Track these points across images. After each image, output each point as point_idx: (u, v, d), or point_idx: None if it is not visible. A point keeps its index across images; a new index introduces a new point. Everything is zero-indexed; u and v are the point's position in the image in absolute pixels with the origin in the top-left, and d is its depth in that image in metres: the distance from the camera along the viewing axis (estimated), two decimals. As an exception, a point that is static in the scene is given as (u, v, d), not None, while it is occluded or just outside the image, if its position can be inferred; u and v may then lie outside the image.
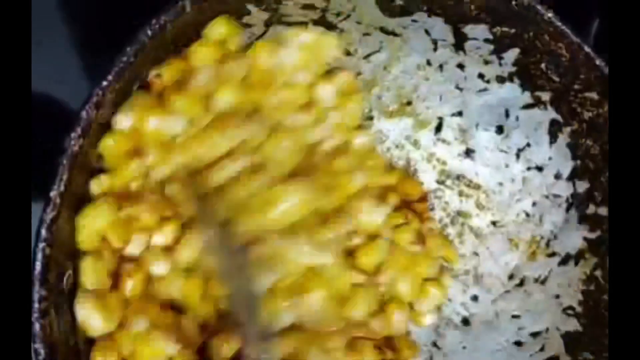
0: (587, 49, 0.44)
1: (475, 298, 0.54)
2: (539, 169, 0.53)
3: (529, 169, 0.53)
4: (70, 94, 0.51)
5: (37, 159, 0.37)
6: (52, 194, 0.36)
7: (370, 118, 0.54)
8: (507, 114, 0.52)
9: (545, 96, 0.50)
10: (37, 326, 0.36)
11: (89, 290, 0.39)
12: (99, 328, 0.40)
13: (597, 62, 0.44)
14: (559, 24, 0.44)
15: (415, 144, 0.55)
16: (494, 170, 0.54)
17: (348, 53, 0.50)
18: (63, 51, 0.54)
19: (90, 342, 0.42)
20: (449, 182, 0.55)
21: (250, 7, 0.44)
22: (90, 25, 0.55)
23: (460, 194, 0.55)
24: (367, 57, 0.51)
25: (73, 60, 0.54)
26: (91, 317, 0.39)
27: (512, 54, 0.48)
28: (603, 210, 0.49)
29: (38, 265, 0.36)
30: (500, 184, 0.54)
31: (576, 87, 0.47)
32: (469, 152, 0.55)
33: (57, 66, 0.53)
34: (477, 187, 0.55)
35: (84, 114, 0.36)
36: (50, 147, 0.39)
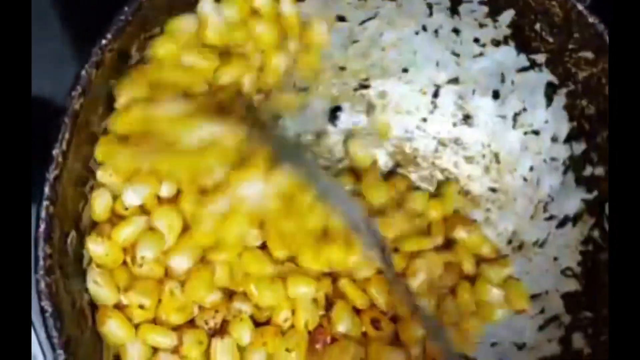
0: (579, 6, 0.44)
1: (475, 263, 0.54)
2: (536, 132, 0.53)
3: (525, 133, 0.53)
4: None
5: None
6: (55, 152, 0.36)
7: (366, 87, 0.55)
8: (502, 79, 0.53)
9: (541, 58, 0.50)
10: (42, 283, 0.36)
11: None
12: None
13: (591, 19, 0.45)
14: (552, -20, 0.44)
15: (411, 112, 0.56)
16: (492, 135, 0.55)
17: (342, 19, 0.51)
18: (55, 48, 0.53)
19: (95, 305, 0.43)
20: (446, 149, 0.56)
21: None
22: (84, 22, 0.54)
23: (457, 160, 0.56)
24: (362, 23, 0.52)
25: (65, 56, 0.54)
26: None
27: (507, 16, 0.49)
28: (600, 171, 0.49)
29: (42, 223, 0.36)
30: (498, 149, 0.55)
31: (570, 46, 0.47)
32: (466, 119, 0.55)
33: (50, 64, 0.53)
34: (475, 152, 0.55)
35: (83, 73, 0.36)
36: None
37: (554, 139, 0.52)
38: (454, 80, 0.54)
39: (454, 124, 0.55)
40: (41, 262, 0.36)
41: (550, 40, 0.48)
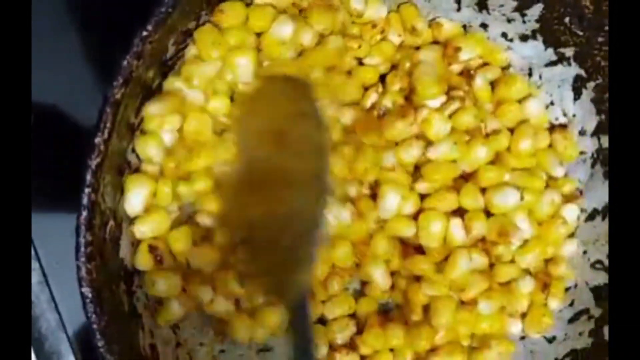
0: (611, -3, 0.44)
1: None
2: (564, 126, 0.53)
3: (552, 127, 0.53)
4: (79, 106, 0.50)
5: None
6: (97, 140, 0.37)
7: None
8: (530, 73, 0.53)
9: (569, 52, 0.50)
10: (83, 270, 0.37)
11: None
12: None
13: (622, 11, 0.45)
14: (583, -26, 0.44)
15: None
16: (519, 130, 0.55)
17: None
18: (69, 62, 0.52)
19: (131, 293, 0.44)
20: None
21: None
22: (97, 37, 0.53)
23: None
24: (390, 16, 0.52)
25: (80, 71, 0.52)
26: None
27: (535, 10, 0.49)
28: (629, 164, 0.49)
29: (84, 210, 0.37)
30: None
31: (600, 39, 0.47)
32: (494, 113, 0.55)
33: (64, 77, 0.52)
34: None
35: (125, 63, 0.37)
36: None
37: (582, 132, 0.52)
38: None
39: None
40: (82, 249, 0.37)
41: (580, 33, 0.48)
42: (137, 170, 0.45)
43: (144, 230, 0.44)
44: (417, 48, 0.51)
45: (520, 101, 0.52)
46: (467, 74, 0.52)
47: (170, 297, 0.45)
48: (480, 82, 0.51)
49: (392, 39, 0.51)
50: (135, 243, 0.45)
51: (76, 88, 0.51)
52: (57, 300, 0.49)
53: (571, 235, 0.51)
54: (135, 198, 0.43)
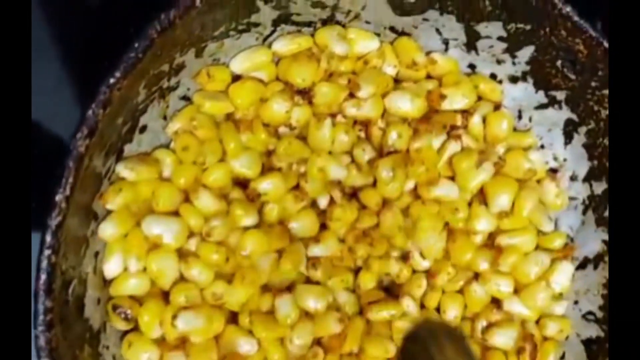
0: (606, 44, 0.43)
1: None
2: (554, 170, 0.51)
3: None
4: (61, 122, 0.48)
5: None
6: (58, 197, 0.34)
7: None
8: (519, 115, 0.51)
9: (561, 95, 0.48)
10: (42, 339, 0.34)
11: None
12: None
13: (617, 57, 0.43)
14: (577, 18, 0.42)
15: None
16: (507, 173, 0.53)
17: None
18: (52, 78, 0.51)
19: (96, 355, 0.40)
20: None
21: (259, 3, 0.43)
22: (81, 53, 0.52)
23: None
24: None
25: (63, 87, 0.52)
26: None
27: (526, 52, 0.47)
28: (621, 212, 0.47)
29: (43, 274, 0.34)
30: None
31: (593, 84, 0.46)
32: (481, 156, 0.53)
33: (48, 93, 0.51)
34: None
35: (90, 113, 0.34)
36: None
37: (573, 178, 0.50)
38: (469, 117, 0.52)
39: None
40: (41, 317, 0.33)
41: (572, 77, 0.46)
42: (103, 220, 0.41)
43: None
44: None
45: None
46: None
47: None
48: (477, 120, 0.49)
49: (388, 70, 0.49)
50: (103, 299, 0.42)
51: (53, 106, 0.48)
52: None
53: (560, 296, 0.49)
54: (115, 262, 0.41)
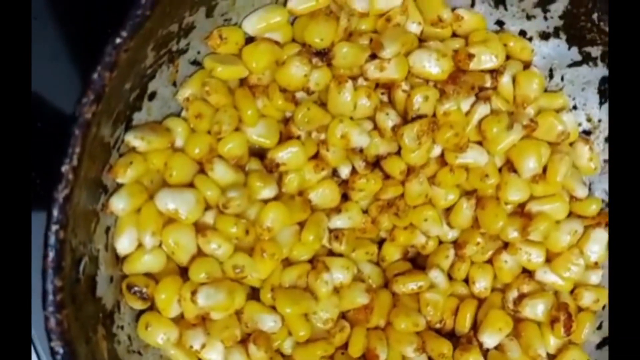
0: (648, -9, 0.39)
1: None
2: (587, 133, 0.48)
3: (573, 134, 0.48)
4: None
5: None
6: (64, 168, 0.31)
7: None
8: (551, 75, 0.48)
9: (596, 51, 0.45)
10: (52, 321, 0.31)
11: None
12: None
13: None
14: (618, -36, 0.39)
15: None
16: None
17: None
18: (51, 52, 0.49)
19: (111, 336, 0.38)
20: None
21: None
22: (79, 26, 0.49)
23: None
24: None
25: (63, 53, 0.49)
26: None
27: (559, 5, 0.44)
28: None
29: (51, 252, 0.31)
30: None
31: (633, 37, 0.42)
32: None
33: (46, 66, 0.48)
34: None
35: (95, 76, 0.31)
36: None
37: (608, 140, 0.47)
38: (496, 78, 0.49)
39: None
40: (50, 297, 0.31)
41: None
42: (113, 193, 0.39)
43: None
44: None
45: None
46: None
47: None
48: (507, 80, 0.45)
49: (412, 28, 0.45)
50: (116, 277, 0.39)
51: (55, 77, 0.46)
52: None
53: (596, 265, 0.46)
54: (128, 238, 0.39)
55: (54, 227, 0.31)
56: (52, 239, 0.31)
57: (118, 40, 0.32)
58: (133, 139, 0.38)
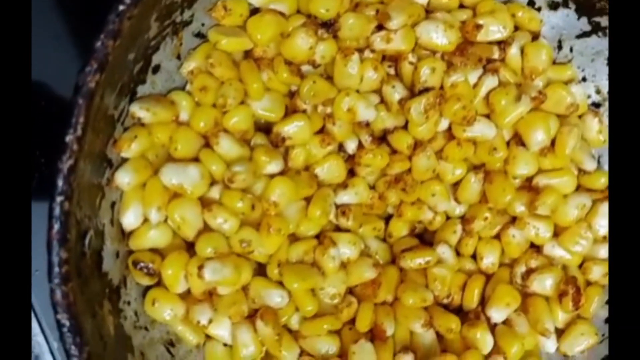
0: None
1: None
2: (596, 105, 0.48)
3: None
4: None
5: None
6: (68, 138, 0.30)
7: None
8: (559, 46, 0.47)
9: (605, 21, 0.45)
10: (58, 293, 0.31)
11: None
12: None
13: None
14: None
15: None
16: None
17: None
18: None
19: (117, 311, 0.38)
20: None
21: None
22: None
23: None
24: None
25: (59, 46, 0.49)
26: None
27: (569, -27, 0.43)
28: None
29: (56, 223, 0.31)
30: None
31: (644, 6, 0.42)
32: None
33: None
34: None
35: (99, 44, 0.31)
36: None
37: (618, 112, 0.47)
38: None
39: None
40: (56, 269, 0.31)
41: (620, -1, 0.42)
42: (118, 167, 0.38)
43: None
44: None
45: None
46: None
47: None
48: (515, 51, 0.45)
49: None
50: (122, 252, 0.39)
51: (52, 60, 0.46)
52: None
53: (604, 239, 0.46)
54: (133, 213, 0.39)
55: (59, 198, 0.31)
56: (56, 210, 0.31)
57: (121, 8, 0.31)
58: (138, 110, 0.38)
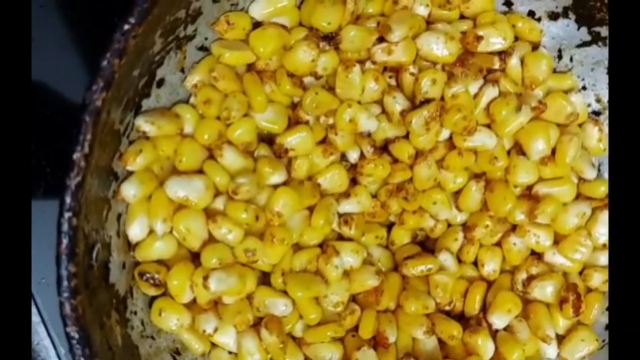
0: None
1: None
2: (596, 113, 0.48)
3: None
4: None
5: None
6: (76, 156, 0.31)
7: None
8: (559, 55, 0.48)
9: (605, 31, 0.45)
10: (67, 307, 0.32)
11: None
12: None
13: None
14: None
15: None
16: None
17: None
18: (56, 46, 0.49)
19: (124, 321, 0.39)
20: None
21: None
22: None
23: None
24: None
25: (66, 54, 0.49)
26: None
27: (569, -16, 0.44)
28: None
29: (64, 238, 0.31)
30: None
31: (643, 16, 0.42)
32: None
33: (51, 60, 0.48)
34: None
35: (104, 63, 0.32)
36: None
37: (618, 121, 0.47)
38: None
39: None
40: (65, 283, 0.31)
41: (619, 10, 0.43)
42: (124, 180, 0.39)
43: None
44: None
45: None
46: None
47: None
48: (515, 61, 0.45)
49: (419, 11, 0.45)
50: (128, 263, 0.40)
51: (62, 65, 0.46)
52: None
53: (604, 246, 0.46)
54: (139, 225, 0.39)
55: (67, 214, 0.31)
56: (65, 226, 0.31)
57: (126, 27, 0.32)
58: (143, 124, 0.38)
